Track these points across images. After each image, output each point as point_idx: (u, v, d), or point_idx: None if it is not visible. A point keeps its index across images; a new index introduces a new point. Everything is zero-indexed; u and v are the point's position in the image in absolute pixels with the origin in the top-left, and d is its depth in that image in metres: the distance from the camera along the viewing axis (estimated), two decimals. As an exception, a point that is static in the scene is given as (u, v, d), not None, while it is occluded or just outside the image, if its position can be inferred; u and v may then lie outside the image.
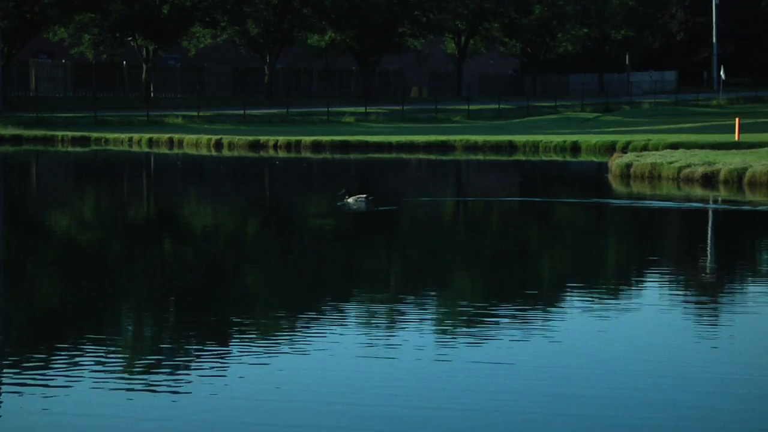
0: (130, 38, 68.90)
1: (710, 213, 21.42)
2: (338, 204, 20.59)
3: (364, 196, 20.42)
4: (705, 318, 10.89)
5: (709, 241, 17.57)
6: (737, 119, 41.17)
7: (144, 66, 69.91)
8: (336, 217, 20.25)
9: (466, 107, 69.05)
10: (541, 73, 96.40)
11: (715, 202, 22.99)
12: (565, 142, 42.49)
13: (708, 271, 14.28)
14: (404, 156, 41.08)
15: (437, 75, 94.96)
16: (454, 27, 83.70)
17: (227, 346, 9.55)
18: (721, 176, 25.44)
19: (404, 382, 8.32)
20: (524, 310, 11.14)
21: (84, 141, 47.79)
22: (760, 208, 21.33)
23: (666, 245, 17.68)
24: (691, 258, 15.60)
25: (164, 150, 44.64)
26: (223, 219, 21.38)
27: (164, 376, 8.53)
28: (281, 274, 14.09)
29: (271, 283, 13.48)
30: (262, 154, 42.12)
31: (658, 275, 13.83)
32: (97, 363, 8.89)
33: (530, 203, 24.30)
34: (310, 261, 15.16)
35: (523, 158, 39.78)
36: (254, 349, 9.37)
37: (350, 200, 20.48)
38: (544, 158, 39.62)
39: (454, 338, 9.87)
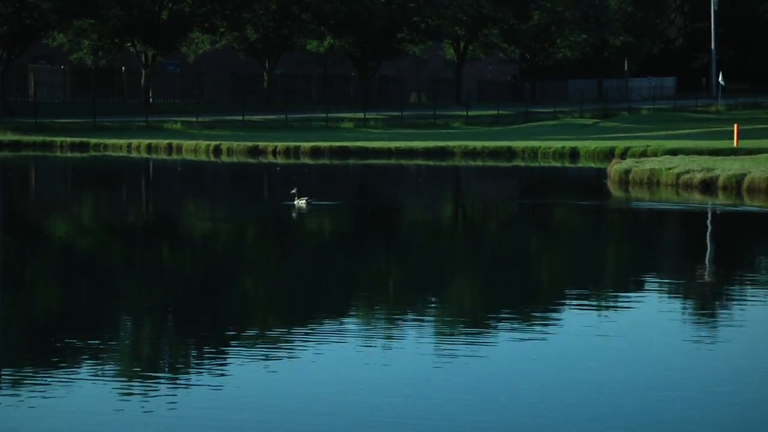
0: (129, 44, 68.86)
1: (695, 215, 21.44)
2: (289, 203, 21.82)
3: (305, 198, 21.89)
4: (704, 323, 10.88)
5: (706, 243, 17.58)
6: (736, 125, 41.21)
7: (143, 72, 69.88)
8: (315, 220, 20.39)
9: (465, 113, 69.03)
10: (539, 79, 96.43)
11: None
12: (563, 148, 42.49)
13: (706, 275, 14.27)
14: (403, 162, 41.07)
15: (436, 81, 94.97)
16: (452, 33, 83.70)
17: (225, 351, 9.55)
18: (720, 182, 25.44)
19: (403, 387, 8.32)
20: (518, 314, 11.13)
21: (83, 147, 47.77)
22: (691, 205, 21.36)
23: (663, 249, 17.69)
24: (688, 261, 15.60)
25: (163, 156, 44.63)
26: (221, 225, 21.36)
27: (162, 382, 8.52)
28: (278, 280, 14.09)
29: (269, 289, 13.47)
30: (261, 160, 42.12)
31: (656, 279, 13.83)
32: (95, 368, 8.88)
33: (510, 204, 24.30)
34: (303, 266, 15.16)
35: (522, 164, 39.78)
36: (253, 354, 9.37)
37: (296, 201, 21.90)
38: (542, 164, 39.62)
39: (450, 342, 9.87)
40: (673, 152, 35.37)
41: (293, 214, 21.09)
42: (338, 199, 25.75)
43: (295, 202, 21.77)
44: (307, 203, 21.67)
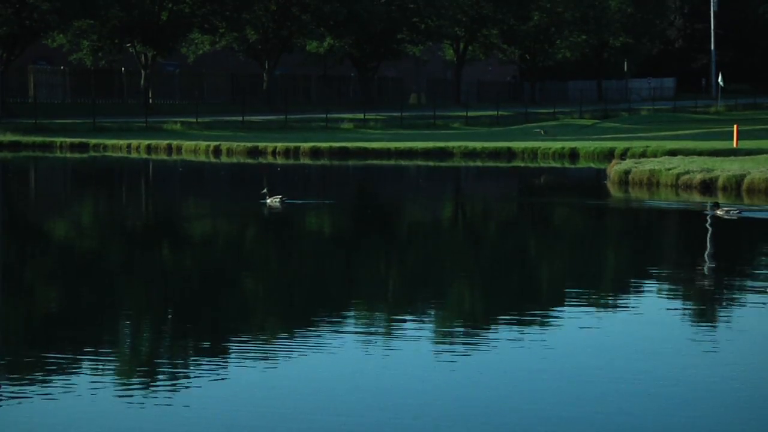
0: (129, 45, 68.86)
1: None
2: (261, 202, 22.09)
3: (279, 196, 22.14)
4: (703, 324, 10.89)
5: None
6: (735, 126, 41.23)
7: (143, 72, 69.89)
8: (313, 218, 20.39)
9: (465, 114, 69.05)
10: (539, 80, 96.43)
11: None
12: (563, 148, 42.49)
13: (705, 275, 14.27)
14: (403, 162, 41.08)
15: (436, 81, 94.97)
16: (452, 34, 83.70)
17: (225, 353, 9.55)
18: (720, 183, 25.45)
19: (403, 387, 8.32)
20: (518, 315, 11.13)
21: (82, 147, 47.77)
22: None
23: (661, 249, 17.69)
24: (691, 260, 15.60)
25: (163, 156, 44.63)
26: (220, 226, 21.37)
27: (162, 384, 8.52)
28: (278, 281, 14.09)
29: (269, 291, 13.47)
30: (261, 160, 42.12)
31: (655, 280, 13.82)
32: (95, 371, 8.88)
33: (510, 205, 24.29)
34: (298, 264, 15.16)
35: (522, 165, 39.78)
36: (253, 356, 9.36)
37: (269, 200, 22.12)
38: (542, 165, 39.63)
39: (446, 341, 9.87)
40: (673, 153, 35.38)
41: (265, 213, 21.29)
42: (334, 199, 25.75)
43: (268, 201, 22.00)
44: (281, 202, 21.93)
